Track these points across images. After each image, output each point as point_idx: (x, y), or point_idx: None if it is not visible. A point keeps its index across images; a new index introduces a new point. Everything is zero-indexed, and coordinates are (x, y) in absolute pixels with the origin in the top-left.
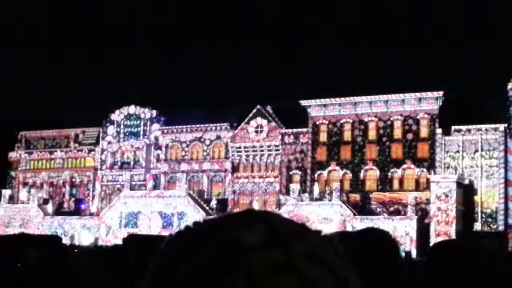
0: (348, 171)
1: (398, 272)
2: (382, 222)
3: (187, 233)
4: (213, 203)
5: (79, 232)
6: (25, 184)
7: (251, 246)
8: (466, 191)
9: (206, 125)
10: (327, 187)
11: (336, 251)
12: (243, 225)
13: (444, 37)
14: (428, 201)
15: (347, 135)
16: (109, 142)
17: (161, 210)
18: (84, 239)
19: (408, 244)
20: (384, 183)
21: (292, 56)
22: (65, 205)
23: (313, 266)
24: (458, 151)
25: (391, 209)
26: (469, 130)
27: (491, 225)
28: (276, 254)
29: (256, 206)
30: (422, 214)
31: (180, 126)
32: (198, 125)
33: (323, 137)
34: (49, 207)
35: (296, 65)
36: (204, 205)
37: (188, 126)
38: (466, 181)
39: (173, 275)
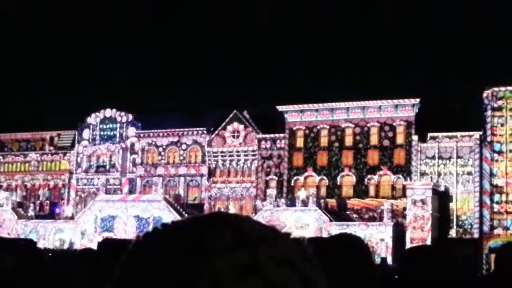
0: (324, 177)
1: (370, 276)
2: (358, 228)
3: (154, 236)
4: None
5: (54, 236)
6: None
7: (216, 249)
8: (442, 198)
9: (183, 129)
10: (299, 192)
11: (305, 255)
12: (209, 228)
13: (421, 42)
14: (404, 208)
15: (323, 141)
16: (85, 146)
17: (137, 214)
18: (59, 243)
19: (384, 250)
20: (361, 189)
21: (268, 61)
22: (40, 208)
23: (280, 270)
24: (434, 158)
25: (367, 215)
26: (445, 137)
27: (466, 232)
28: (242, 258)
29: (232, 211)
30: (398, 221)
31: (156, 130)
32: (174, 130)
33: (299, 142)
34: (29, 211)
35: (272, 70)
36: (180, 210)
37: (165, 130)
38: (442, 188)
39: (138, 278)
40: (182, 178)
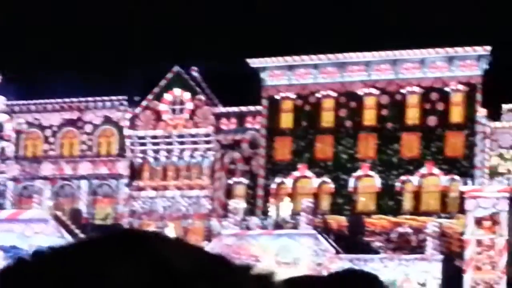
0: (327, 180)
1: None
2: (383, 265)
3: (18, 273)
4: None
5: None
6: None
7: None
8: None
9: (86, 99)
10: (281, 205)
11: None
12: (112, 258)
13: None
14: (461, 232)
15: (327, 118)
16: None
17: (9, 243)
18: None
19: None
20: (388, 200)
21: None
22: None
23: None
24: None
25: (400, 243)
26: None
27: None
28: None
29: (172, 235)
30: (451, 253)
31: (41, 101)
32: (72, 100)
33: (286, 121)
34: None
35: (241, 4)
36: (81, 235)
37: (55, 101)
38: None
39: None
40: (84, 182)
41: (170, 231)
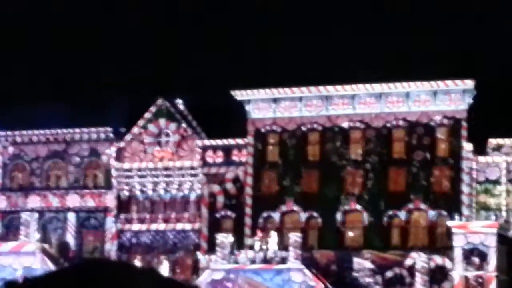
0: (315, 214)
1: None
2: None
3: None
4: None
5: None
6: None
7: None
8: None
9: (73, 130)
10: (267, 239)
11: None
12: (77, 287)
13: None
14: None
15: (313, 152)
16: None
17: None
18: None
19: None
20: (377, 235)
21: (218, 21)
22: None
23: None
24: (498, 182)
25: (389, 277)
26: None
27: None
28: None
29: (162, 270)
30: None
31: (27, 132)
32: (59, 131)
33: (272, 154)
34: None
35: (226, 36)
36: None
37: (42, 132)
38: None
39: None
40: (72, 215)
41: (163, 266)
